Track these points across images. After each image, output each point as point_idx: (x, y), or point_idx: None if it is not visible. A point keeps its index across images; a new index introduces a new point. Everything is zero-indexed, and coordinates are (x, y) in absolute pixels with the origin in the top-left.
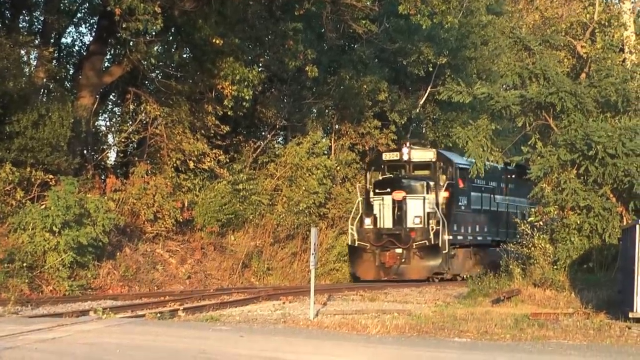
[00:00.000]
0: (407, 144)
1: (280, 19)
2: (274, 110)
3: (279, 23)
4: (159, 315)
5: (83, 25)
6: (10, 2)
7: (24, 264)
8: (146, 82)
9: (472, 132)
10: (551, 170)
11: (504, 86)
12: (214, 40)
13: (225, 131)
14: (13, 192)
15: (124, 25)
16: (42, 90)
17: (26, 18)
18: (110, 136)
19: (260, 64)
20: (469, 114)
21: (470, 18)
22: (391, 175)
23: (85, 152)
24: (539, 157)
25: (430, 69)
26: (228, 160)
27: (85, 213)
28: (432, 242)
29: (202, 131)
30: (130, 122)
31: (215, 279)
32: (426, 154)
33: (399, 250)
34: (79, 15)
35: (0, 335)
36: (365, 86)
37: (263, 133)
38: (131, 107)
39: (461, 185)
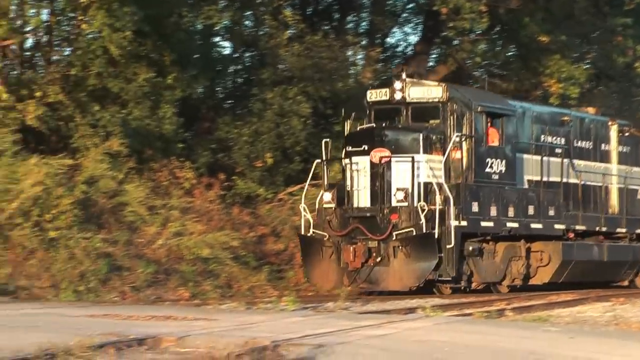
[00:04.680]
0: (403, 76)
1: (608, 14)
2: (601, 107)
3: (607, 18)
4: (486, 314)
5: (407, 26)
6: (339, 4)
7: None
8: (470, 80)
9: None
10: None
11: None
12: (539, 38)
13: None
14: None
15: (449, 25)
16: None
17: (353, 19)
18: None
19: (587, 61)
20: None
21: None
22: (373, 125)
23: None
24: None
25: None
26: None
27: None
28: (424, 230)
29: None
30: None
31: None
32: (431, 91)
33: (372, 244)
34: (403, 15)
35: (332, 331)
36: None
37: None
38: None
39: (492, 140)
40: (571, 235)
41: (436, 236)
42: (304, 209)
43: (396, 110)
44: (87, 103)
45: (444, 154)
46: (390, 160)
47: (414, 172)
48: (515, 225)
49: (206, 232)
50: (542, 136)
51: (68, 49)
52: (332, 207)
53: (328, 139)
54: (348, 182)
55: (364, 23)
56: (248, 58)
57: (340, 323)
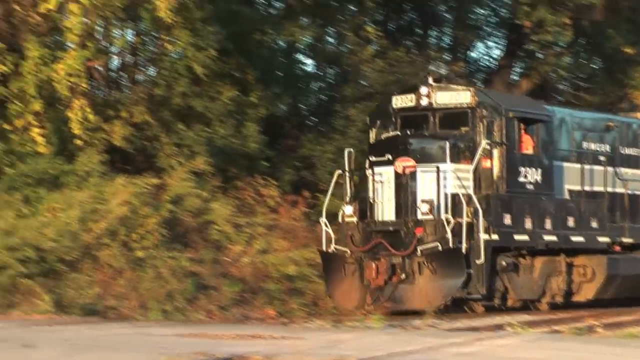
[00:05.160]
0: (430, 80)
1: None
2: None
3: None
4: (576, 331)
5: (490, 39)
6: (421, 20)
7: None
8: (554, 94)
9: None
10: None
11: None
12: (625, 49)
13: None
14: None
15: (533, 38)
16: None
17: (436, 34)
18: None
19: None
20: None
21: None
22: (398, 133)
23: None
24: None
25: None
26: None
27: None
28: (450, 245)
29: None
30: None
31: None
32: (459, 96)
33: (396, 260)
34: (486, 29)
35: (420, 348)
36: None
37: None
38: None
39: (527, 148)
40: (617, 248)
41: (464, 251)
42: (325, 224)
43: (423, 117)
44: (171, 122)
45: (474, 162)
46: (415, 171)
47: (440, 182)
48: (554, 238)
49: (291, 249)
50: (584, 143)
51: (152, 69)
52: (354, 221)
53: (351, 149)
54: (371, 194)
55: (446, 38)
56: (331, 75)
57: (428, 340)
